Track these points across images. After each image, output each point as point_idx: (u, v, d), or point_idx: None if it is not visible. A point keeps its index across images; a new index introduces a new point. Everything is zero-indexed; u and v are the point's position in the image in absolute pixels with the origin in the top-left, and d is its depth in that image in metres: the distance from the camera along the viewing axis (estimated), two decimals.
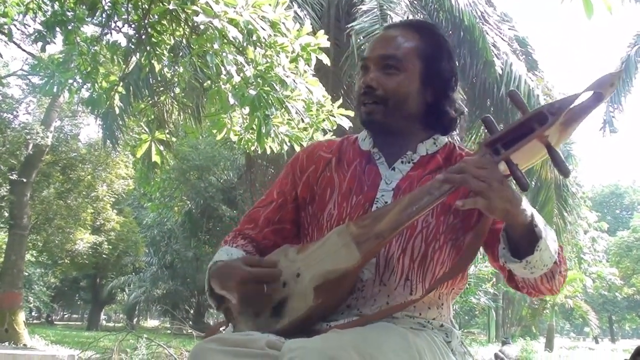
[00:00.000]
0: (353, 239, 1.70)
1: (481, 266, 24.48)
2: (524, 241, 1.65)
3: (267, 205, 2.09)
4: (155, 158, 6.32)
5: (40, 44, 5.66)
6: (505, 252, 1.71)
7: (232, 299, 1.79)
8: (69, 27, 5.48)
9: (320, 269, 1.71)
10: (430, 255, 1.82)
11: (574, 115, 1.59)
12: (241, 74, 4.68)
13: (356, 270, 1.73)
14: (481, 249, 1.92)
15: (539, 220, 1.65)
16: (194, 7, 4.33)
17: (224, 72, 4.70)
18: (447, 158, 1.96)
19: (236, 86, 4.76)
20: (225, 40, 4.52)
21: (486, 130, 1.70)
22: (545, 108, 1.60)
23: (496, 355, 18.53)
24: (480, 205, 1.58)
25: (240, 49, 4.69)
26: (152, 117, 8.55)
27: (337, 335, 1.61)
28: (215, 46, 4.41)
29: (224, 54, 4.52)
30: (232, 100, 4.82)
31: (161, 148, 6.43)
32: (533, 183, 13.45)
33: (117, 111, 7.17)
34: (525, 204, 1.62)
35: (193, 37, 4.94)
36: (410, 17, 11.38)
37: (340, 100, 5.60)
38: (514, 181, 1.62)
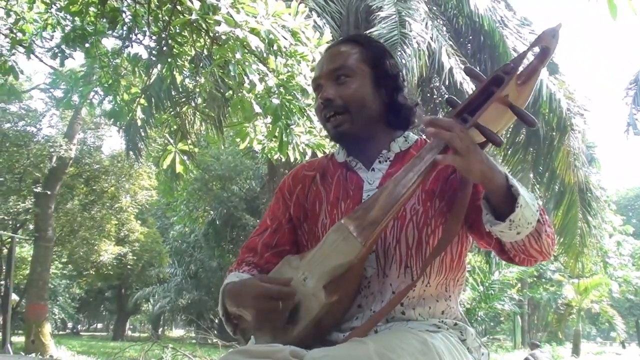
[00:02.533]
0: (351, 231, 1.72)
1: (506, 272, 24.31)
2: (504, 203, 1.69)
3: (262, 232, 2.14)
4: (179, 169, 6.35)
5: (59, 58, 5.70)
6: (488, 217, 1.74)
7: (246, 315, 1.82)
8: (89, 42, 5.52)
9: (325, 267, 1.74)
10: (425, 240, 1.87)
11: (528, 73, 1.70)
12: (263, 83, 4.69)
13: (360, 262, 1.76)
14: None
15: (515, 181, 1.70)
16: (216, 17, 4.35)
17: (246, 81, 4.71)
18: None
19: (258, 95, 4.77)
20: (247, 50, 4.53)
21: (451, 107, 1.78)
22: (500, 70, 1.69)
23: None
24: (458, 165, 1.64)
25: (261, 58, 4.71)
26: (175, 127, 8.59)
27: (358, 343, 1.63)
28: (238, 56, 4.43)
29: (246, 64, 4.54)
30: (257, 109, 4.84)
31: (184, 158, 6.46)
32: (557, 187, 13.38)
33: (139, 123, 7.20)
34: (500, 166, 1.69)
35: (214, 47, 4.96)
36: (429, 23, 11.40)
37: None
38: (489, 141, 1.69)
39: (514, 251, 1.85)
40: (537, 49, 1.71)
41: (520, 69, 1.71)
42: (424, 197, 1.90)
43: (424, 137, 2.09)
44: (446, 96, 1.81)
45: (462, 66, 11.29)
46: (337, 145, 2.15)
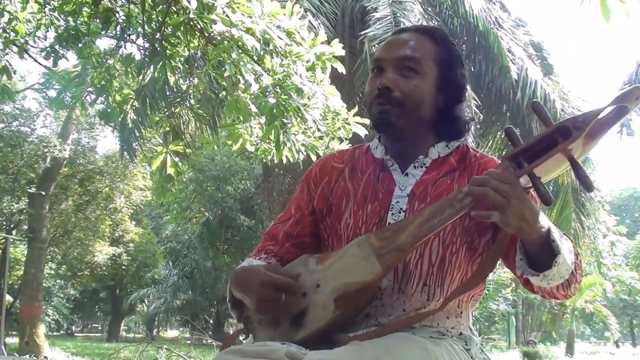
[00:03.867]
0: (374, 251, 1.68)
1: (500, 272, 24.40)
2: (541, 254, 1.63)
3: (285, 221, 2.08)
4: (171, 170, 6.31)
5: (52, 59, 5.68)
6: (522, 263, 1.69)
7: (248, 303, 1.78)
8: (82, 42, 5.49)
9: (340, 280, 1.70)
10: (448, 259, 1.79)
11: (597, 129, 1.57)
12: (259, 83, 4.68)
13: (376, 283, 1.71)
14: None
15: (556, 234, 1.63)
16: (212, 17, 4.33)
17: (242, 81, 4.69)
18: (461, 160, 1.94)
19: (253, 95, 4.76)
20: (241, 50, 4.52)
21: (509, 142, 1.68)
22: (570, 122, 1.57)
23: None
24: (495, 219, 1.56)
25: (258, 57, 4.69)
26: (168, 128, 8.56)
27: (358, 347, 1.60)
28: (234, 55, 4.41)
29: (242, 63, 4.52)
30: (253, 109, 4.82)
31: (177, 159, 6.42)
32: (550, 187, 13.39)
33: (131, 124, 7.16)
34: (542, 219, 1.60)
35: (209, 47, 4.94)
36: (424, 24, 11.38)
37: (356, 108, 5.52)
38: (537, 196, 1.61)
39: (538, 288, 1.80)
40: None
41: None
42: None
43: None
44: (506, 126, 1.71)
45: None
46: (375, 138, 2.05)
